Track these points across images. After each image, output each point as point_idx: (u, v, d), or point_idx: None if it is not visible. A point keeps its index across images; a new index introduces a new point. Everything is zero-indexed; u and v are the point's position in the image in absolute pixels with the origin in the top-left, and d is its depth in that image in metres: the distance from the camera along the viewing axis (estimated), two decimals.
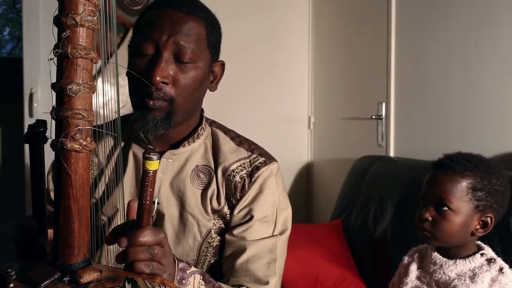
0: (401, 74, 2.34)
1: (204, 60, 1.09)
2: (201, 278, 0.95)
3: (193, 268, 0.94)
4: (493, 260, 1.12)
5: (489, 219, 1.13)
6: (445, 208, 1.11)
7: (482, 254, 1.13)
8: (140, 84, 1.03)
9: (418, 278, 1.20)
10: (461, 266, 1.12)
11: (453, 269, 1.13)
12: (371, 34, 2.55)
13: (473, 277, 1.10)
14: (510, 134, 1.76)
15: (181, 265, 0.90)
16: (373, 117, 2.46)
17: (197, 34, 1.07)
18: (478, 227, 1.13)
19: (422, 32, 2.20)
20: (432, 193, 1.14)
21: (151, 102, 1.04)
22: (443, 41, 2.06)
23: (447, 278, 1.13)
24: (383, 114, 2.42)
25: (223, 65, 1.17)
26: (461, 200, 1.11)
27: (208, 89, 1.16)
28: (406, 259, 1.26)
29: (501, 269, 1.10)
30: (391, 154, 2.37)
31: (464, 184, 1.11)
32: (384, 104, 2.42)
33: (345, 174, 2.43)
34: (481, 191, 1.11)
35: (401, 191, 1.90)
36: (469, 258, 1.13)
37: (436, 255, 1.16)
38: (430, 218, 1.13)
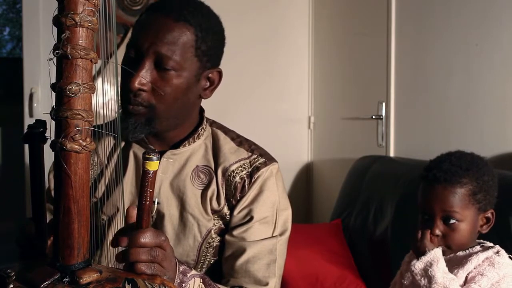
0: (401, 74, 2.34)
1: (189, 68, 1.07)
2: (201, 281, 0.95)
3: (193, 272, 0.94)
4: (491, 247, 1.15)
5: (490, 214, 1.17)
6: (453, 221, 1.13)
7: (482, 246, 1.16)
8: (123, 89, 1.05)
9: None
10: (460, 255, 1.15)
11: (453, 262, 1.14)
12: (371, 34, 2.55)
13: (468, 257, 1.13)
14: (510, 134, 1.76)
15: (181, 268, 0.90)
16: (373, 117, 2.46)
17: (183, 43, 1.05)
18: (481, 224, 1.16)
19: (422, 32, 2.19)
20: (436, 208, 1.15)
21: (130, 107, 1.05)
22: (443, 41, 2.06)
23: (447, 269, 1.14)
24: (383, 114, 2.42)
25: (219, 72, 1.15)
26: (465, 208, 1.13)
27: (200, 96, 1.14)
28: (407, 257, 1.27)
29: (497, 252, 1.13)
30: (391, 154, 2.37)
31: (464, 192, 1.13)
32: (384, 104, 2.41)
33: (345, 174, 2.42)
34: (479, 193, 1.14)
35: (401, 191, 1.90)
36: (469, 249, 1.16)
37: None
38: (440, 234, 1.14)
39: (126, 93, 1.04)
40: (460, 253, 1.16)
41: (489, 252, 1.13)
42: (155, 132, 1.10)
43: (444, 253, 1.15)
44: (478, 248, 1.15)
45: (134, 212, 0.83)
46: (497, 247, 1.15)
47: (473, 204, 1.14)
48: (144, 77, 1.03)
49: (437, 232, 1.14)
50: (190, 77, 1.08)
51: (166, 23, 1.04)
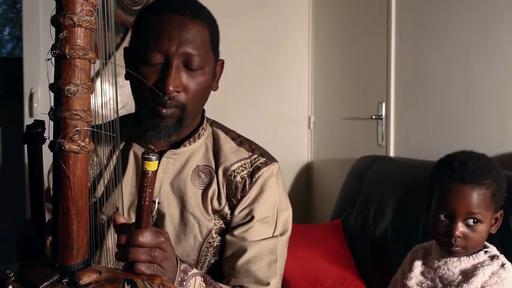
0: (401, 74, 2.34)
1: (210, 64, 1.09)
2: (202, 280, 0.95)
3: (194, 270, 0.94)
4: (496, 257, 1.14)
5: (499, 215, 1.17)
6: (475, 222, 1.12)
7: (486, 252, 1.15)
8: (151, 93, 1.03)
9: (422, 273, 1.21)
10: (465, 263, 1.14)
11: (457, 265, 1.14)
12: (371, 34, 2.55)
13: (474, 270, 1.11)
14: (510, 134, 1.76)
15: (183, 266, 0.90)
16: (373, 117, 2.46)
17: (203, 39, 1.06)
18: (491, 224, 1.16)
19: (422, 32, 2.19)
20: (460, 209, 1.12)
21: (164, 111, 1.04)
22: (443, 41, 2.06)
23: (451, 274, 1.14)
24: (383, 114, 2.42)
25: (222, 63, 1.17)
26: (487, 209, 1.13)
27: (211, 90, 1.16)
28: (410, 255, 1.27)
29: (503, 265, 1.12)
30: (391, 154, 2.37)
31: (488, 194, 1.12)
32: (384, 104, 2.41)
33: (345, 174, 2.42)
34: (497, 195, 1.14)
35: (401, 191, 1.90)
36: (473, 255, 1.14)
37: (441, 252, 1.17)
38: (461, 235, 1.12)
39: (159, 97, 1.03)
40: (465, 258, 1.14)
41: (494, 266, 1.11)
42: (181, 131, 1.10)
43: (456, 254, 1.15)
44: (482, 255, 1.14)
45: (120, 219, 0.83)
46: (502, 258, 1.14)
47: (492, 206, 1.13)
48: (177, 78, 1.03)
49: (458, 233, 1.11)
50: (210, 72, 1.10)
51: (186, 23, 1.05)
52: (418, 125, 2.22)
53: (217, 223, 1.13)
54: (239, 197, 1.13)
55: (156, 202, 1.11)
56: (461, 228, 1.12)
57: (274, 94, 3.12)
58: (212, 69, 1.11)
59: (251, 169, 1.14)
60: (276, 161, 1.19)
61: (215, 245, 1.13)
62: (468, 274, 1.12)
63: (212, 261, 1.15)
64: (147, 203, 0.74)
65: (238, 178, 1.13)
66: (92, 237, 0.93)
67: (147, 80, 1.03)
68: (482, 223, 1.12)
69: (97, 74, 0.94)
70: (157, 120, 1.05)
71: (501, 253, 1.17)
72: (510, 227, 1.39)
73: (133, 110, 1.19)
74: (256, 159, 1.16)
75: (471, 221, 1.12)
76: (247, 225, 1.12)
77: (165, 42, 1.03)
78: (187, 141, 1.15)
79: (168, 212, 1.12)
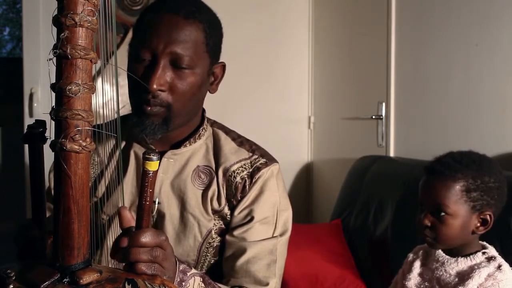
0: (401, 74, 2.34)
1: (202, 65, 1.08)
2: (201, 280, 0.95)
3: (193, 270, 0.94)
4: (493, 258, 1.13)
5: (488, 217, 1.14)
6: (443, 214, 1.12)
7: (483, 253, 1.14)
8: (138, 90, 1.04)
9: (421, 274, 1.21)
10: (462, 264, 1.14)
11: (454, 266, 1.14)
12: (371, 34, 2.55)
13: (470, 272, 1.11)
14: (510, 134, 1.76)
15: (182, 266, 0.90)
16: (373, 117, 2.46)
17: (195, 40, 1.06)
18: (478, 225, 1.14)
19: (422, 32, 2.20)
20: (428, 199, 1.15)
21: (149, 108, 1.04)
22: (443, 41, 2.06)
23: (448, 275, 1.14)
24: (383, 114, 2.42)
25: (223, 66, 1.17)
26: (457, 203, 1.12)
27: (208, 91, 1.16)
28: (411, 256, 1.27)
29: (499, 266, 1.11)
30: (391, 154, 2.37)
31: (457, 188, 1.12)
32: (384, 104, 2.41)
33: (345, 174, 2.42)
34: (475, 192, 1.12)
35: (401, 191, 1.90)
36: (471, 256, 1.14)
37: (439, 253, 1.18)
38: (429, 224, 1.14)
39: (144, 95, 1.03)
40: (462, 259, 1.14)
41: (491, 268, 1.11)
42: (170, 131, 1.09)
43: (434, 247, 1.16)
44: (480, 256, 1.14)
45: (126, 213, 0.83)
46: (499, 259, 1.13)
47: (465, 201, 1.12)
48: (162, 77, 1.03)
49: (426, 222, 1.14)
50: (203, 73, 1.09)
51: (177, 22, 1.05)
52: (418, 125, 2.22)
53: (217, 223, 1.13)
54: (239, 198, 1.13)
55: (156, 202, 1.11)
56: (430, 218, 1.13)
57: (274, 94, 3.12)
58: (205, 70, 1.10)
59: (251, 170, 1.15)
60: (276, 161, 1.19)
61: (215, 245, 1.14)
62: (464, 276, 1.12)
63: (212, 261, 1.15)
64: (148, 203, 0.74)
65: (238, 179, 1.13)
66: (93, 237, 0.94)
67: (133, 78, 1.04)
68: (451, 216, 1.12)
69: (98, 73, 0.94)
70: (142, 118, 1.06)
71: (500, 253, 1.17)
72: (510, 227, 1.39)
73: None
74: (256, 160, 1.16)
75: (439, 213, 1.12)
76: (246, 226, 1.12)
77: (153, 40, 1.04)
78: (187, 142, 1.15)
79: (168, 212, 1.12)
